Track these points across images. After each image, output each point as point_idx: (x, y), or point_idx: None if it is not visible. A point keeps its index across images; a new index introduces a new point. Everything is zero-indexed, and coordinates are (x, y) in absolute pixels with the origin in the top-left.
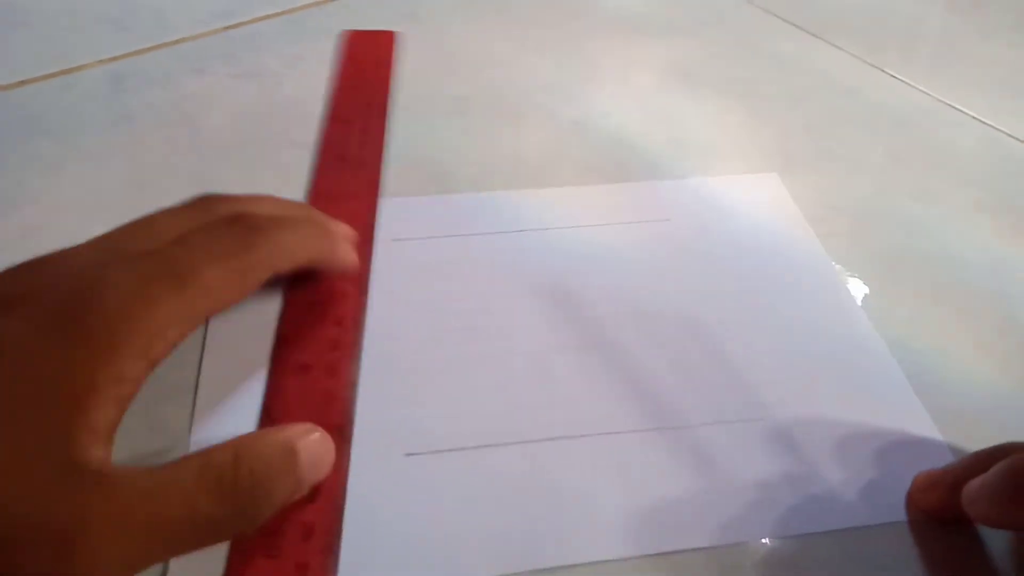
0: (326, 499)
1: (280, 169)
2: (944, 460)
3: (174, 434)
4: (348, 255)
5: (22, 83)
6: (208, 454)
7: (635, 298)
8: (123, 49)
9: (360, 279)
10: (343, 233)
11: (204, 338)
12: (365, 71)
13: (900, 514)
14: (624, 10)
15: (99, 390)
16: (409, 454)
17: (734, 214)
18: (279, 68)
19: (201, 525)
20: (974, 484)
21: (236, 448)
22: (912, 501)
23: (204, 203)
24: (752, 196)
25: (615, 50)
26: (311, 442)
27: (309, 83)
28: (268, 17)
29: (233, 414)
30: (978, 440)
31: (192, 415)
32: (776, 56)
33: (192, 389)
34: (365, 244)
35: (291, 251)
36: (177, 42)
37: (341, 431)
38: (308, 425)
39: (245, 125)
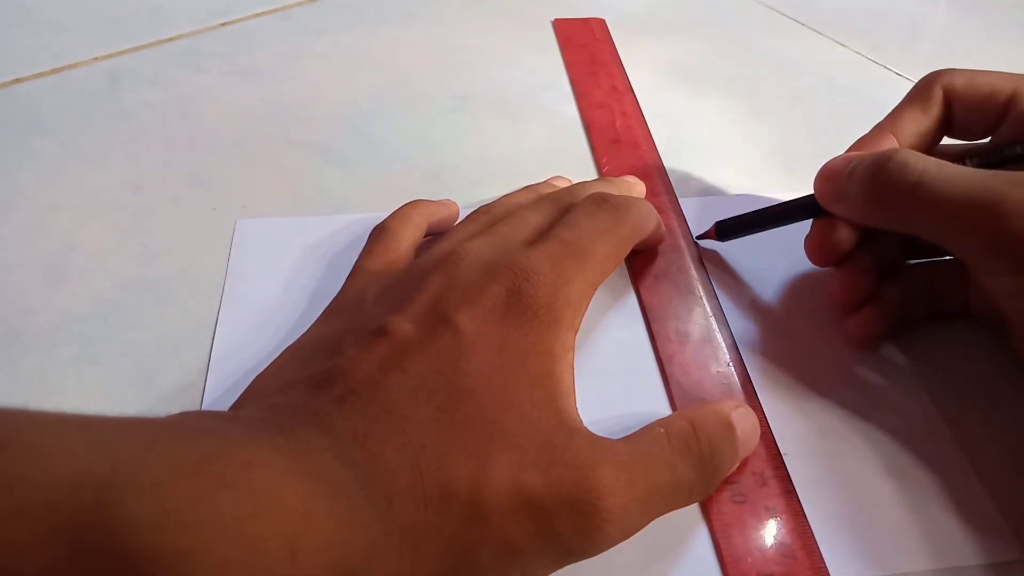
0: (764, 450)
1: (278, 168)
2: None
3: None
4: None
5: (18, 81)
6: (667, 423)
7: None
8: (119, 46)
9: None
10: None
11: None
12: (594, 58)
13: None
14: (624, 9)
15: (559, 359)
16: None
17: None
18: (275, 66)
19: (681, 488)
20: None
21: (690, 419)
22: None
23: (556, 191)
24: None
25: (615, 48)
26: (743, 416)
27: (306, 81)
28: (264, 14)
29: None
30: None
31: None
32: (777, 53)
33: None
34: (682, 227)
35: (645, 224)
36: (173, 39)
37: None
38: (736, 400)
39: (242, 123)
